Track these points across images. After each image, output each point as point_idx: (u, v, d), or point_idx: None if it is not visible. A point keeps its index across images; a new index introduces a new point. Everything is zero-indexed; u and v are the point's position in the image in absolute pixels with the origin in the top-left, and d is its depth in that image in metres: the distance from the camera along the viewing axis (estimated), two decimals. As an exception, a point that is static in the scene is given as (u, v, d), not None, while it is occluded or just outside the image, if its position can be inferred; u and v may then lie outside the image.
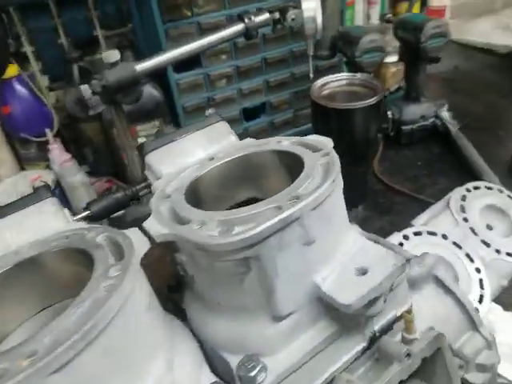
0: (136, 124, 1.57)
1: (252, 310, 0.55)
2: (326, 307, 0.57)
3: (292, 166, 0.61)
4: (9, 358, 0.40)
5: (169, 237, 0.53)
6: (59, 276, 0.57)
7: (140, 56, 1.63)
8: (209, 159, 0.71)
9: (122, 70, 1.12)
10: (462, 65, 2.27)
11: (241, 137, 1.25)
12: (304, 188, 0.54)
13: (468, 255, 0.82)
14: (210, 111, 0.79)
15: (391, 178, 1.58)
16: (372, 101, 1.18)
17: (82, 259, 0.53)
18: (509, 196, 1.19)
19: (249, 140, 0.75)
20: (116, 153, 1.65)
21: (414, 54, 1.54)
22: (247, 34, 1.20)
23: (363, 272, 0.55)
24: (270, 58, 1.67)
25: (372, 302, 0.54)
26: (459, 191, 1.24)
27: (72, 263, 0.55)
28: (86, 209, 0.72)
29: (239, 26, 1.19)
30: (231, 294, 0.55)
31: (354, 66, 1.44)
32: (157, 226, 0.55)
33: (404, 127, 1.65)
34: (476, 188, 1.24)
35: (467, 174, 1.47)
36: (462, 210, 1.18)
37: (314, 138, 0.67)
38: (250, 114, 1.78)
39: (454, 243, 0.85)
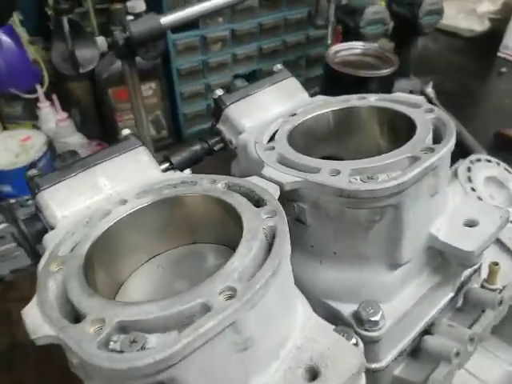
0: (131, 84, 1.49)
1: (370, 258, 0.57)
2: (431, 258, 0.60)
3: (397, 125, 0.62)
4: (203, 293, 0.38)
5: (300, 184, 0.53)
6: (183, 222, 0.55)
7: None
8: (290, 115, 0.70)
9: (147, 22, 1.05)
10: (431, 45, 2.38)
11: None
12: (428, 140, 0.55)
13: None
14: (279, 66, 0.77)
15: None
16: (388, 71, 1.21)
17: (214, 207, 0.52)
18: (505, 169, 1.29)
19: (320, 97, 0.75)
20: (107, 114, 1.56)
21: (408, 30, 1.59)
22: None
23: (472, 224, 0.58)
24: (265, 23, 1.65)
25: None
26: (464, 163, 1.30)
27: (201, 211, 0.53)
28: (165, 161, 0.68)
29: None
30: (353, 242, 0.56)
31: (356, 37, 1.45)
32: (283, 174, 0.54)
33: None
34: (478, 160, 1.32)
35: (456, 148, 1.57)
36: (469, 180, 1.25)
37: (401, 96, 0.68)
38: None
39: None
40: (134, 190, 0.57)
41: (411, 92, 1.74)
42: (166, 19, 1.07)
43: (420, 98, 0.66)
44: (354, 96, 0.71)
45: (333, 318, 0.58)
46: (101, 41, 1.07)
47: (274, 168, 0.56)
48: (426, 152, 0.53)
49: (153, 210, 0.54)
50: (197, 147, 0.70)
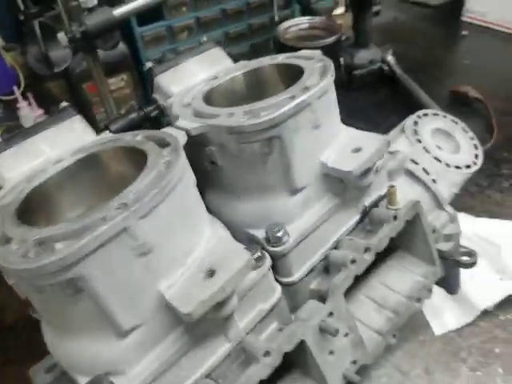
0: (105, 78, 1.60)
1: (273, 187, 0.67)
2: (330, 184, 0.70)
3: (291, 75, 0.72)
4: (103, 210, 0.49)
5: (203, 129, 0.63)
6: (110, 173, 0.65)
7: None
8: (212, 78, 0.80)
9: (100, 15, 1.16)
10: (400, 17, 2.45)
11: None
12: (310, 81, 0.65)
13: (424, 169, 0.95)
14: (204, 38, 0.87)
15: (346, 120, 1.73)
16: (331, 40, 1.31)
17: (131, 155, 0.62)
18: (452, 120, 1.38)
19: (242, 62, 0.85)
20: (85, 109, 1.67)
21: (362, 2, 1.67)
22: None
23: (357, 150, 0.68)
24: (228, 9, 1.74)
25: (364, 174, 0.67)
26: (412, 118, 1.39)
27: (121, 161, 0.64)
28: (105, 128, 0.79)
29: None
30: (256, 175, 0.66)
31: (310, 13, 1.55)
32: (190, 123, 0.65)
33: (355, 72, 1.79)
34: (425, 115, 1.41)
35: (414, 108, 1.65)
36: (415, 133, 1.34)
37: (303, 52, 0.78)
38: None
39: (412, 160, 0.98)
40: (70, 152, 0.68)
41: (371, 61, 1.82)
42: (118, 10, 1.17)
43: (317, 52, 0.76)
44: (267, 57, 0.81)
45: (252, 242, 0.68)
46: (61, 36, 1.18)
47: (186, 120, 0.67)
48: (302, 91, 0.63)
49: (78, 165, 0.65)
50: (134, 115, 0.81)
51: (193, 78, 0.81)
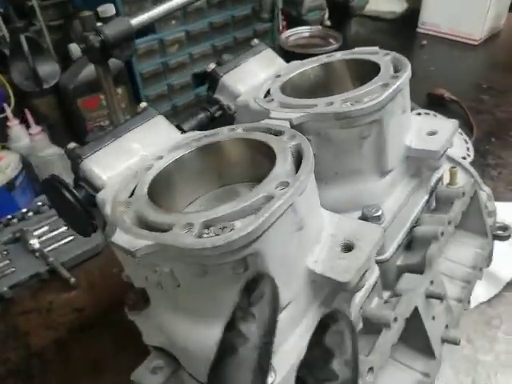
0: (100, 93, 1.57)
1: (365, 171, 0.71)
2: (408, 166, 0.76)
3: (363, 69, 0.78)
4: (264, 189, 0.51)
5: (304, 118, 0.67)
6: (232, 161, 0.67)
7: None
8: (276, 76, 0.83)
9: (118, 25, 1.15)
10: (360, 30, 2.62)
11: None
12: (391, 71, 0.71)
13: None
14: (256, 41, 0.91)
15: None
16: (334, 47, 1.39)
17: (248, 145, 0.64)
18: (434, 115, 1.50)
19: (295, 62, 0.89)
20: (77, 125, 1.63)
21: (341, 13, 1.78)
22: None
23: (433, 133, 0.74)
24: (215, 22, 1.78)
25: (442, 155, 0.74)
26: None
27: (239, 151, 0.65)
28: (178, 129, 0.80)
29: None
30: (350, 160, 0.70)
31: (301, 24, 1.63)
32: (289, 113, 0.67)
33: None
34: (418, 114, 1.53)
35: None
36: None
37: (359, 49, 0.84)
38: (198, 79, 1.87)
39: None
40: (164, 149, 0.68)
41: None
42: (136, 20, 1.17)
43: (375, 48, 0.82)
44: (323, 55, 0.86)
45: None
46: (74, 47, 1.16)
47: (279, 111, 0.69)
48: (393, 78, 0.68)
49: (190, 158, 0.65)
50: (202, 115, 0.82)
51: (255, 77, 0.85)
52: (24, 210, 1.38)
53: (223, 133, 0.67)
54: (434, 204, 0.83)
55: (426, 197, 0.80)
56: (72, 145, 0.65)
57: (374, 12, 2.61)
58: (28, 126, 1.49)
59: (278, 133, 0.63)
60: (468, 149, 1.51)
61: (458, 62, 2.20)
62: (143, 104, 0.74)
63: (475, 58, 2.25)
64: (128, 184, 0.61)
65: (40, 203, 1.41)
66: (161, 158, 0.65)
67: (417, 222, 0.77)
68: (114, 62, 1.47)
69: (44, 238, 1.30)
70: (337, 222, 0.60)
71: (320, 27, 1.50)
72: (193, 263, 0.49)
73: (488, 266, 1.08)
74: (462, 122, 1.75)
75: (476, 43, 2.26)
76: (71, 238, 1.31)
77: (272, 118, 0.68)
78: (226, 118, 0.87)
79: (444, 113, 1.70)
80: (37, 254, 1.26)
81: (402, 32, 2.53)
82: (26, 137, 1.47)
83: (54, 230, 1.33)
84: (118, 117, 1.35)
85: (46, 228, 1.33)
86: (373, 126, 0.66)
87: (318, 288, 0.58)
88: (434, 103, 1.86)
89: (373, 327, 0.63)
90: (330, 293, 0.60)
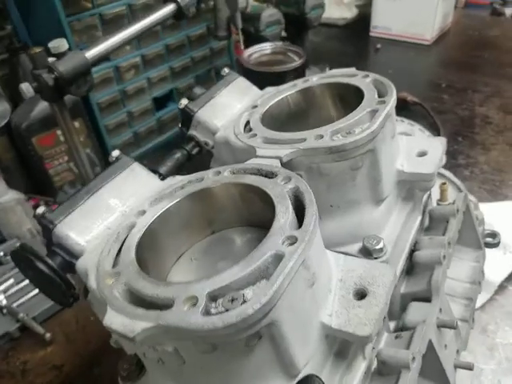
0: (55, 129, 1.47)
1: (359, 201, 0.68)
2: (400, 190, 0.73)
3: (344, 92, 0.75)
4: (269, 246, 0.46)
5: (294, 154, 0.62)
6: (223, 207, 0.61)
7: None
8: (252, 107, 0.79)
9: (72, 60, 1.07)
10: (314, 39, 2.62)
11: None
12: (376, 96, 0.68)
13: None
14: (226, 70, 0.86)
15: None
16: (299, 63, 1.36)
17: (239, 191, 0.59)
18: (409, 123, 1.50)
19: (269, 88, 0.85)
20: (34, 165, 1.52)
21: (298, 25, 1.77)
22: (179, 13, 1.25)
23: (423, 154, 0.72)
24: (170, 44, 1.73)
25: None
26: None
27: (229, 198, 0.60)
28: (154, 172, 0.73)
29: (170, 7, 1.23)
30: (344, 191, 0.66)
31: (259, 41, 1.59)
32: (277, 150, 0.63)
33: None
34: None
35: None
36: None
37: (336, 71, 0.81)
38: (159, 103, 1.80)
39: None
40: (145, 201, 0.62)
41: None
42: (91, 53, 1.10)
43: (352, 70, 0.79)
44: (299, 80, 0.82)
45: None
46: (26, 87, 1.07)
47: (266, 148, 0.65)
48: (380, 104, 0.65)
49: (177, 209, 0.60)
50: (178, 155, 0.77)
51: (231, 109, 0.80)
52: (-16, 264, 1.27)
53: (209, 177, 0.62)
54: (427, 222, 0.81)
55: (420, 217, 0.78)
56: (41, 209, 0.58)
57: (326, 19, 2.61)
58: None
59: (270, 174, 0.58)
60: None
61: (414, 63, 2.24)
62: (116, 152, 0.67)
63: (430, 57, 2.30)
64: (111, 248, 0.55)
65: (1, 253, 1.30)
66: (143, 212, 0.59)
67: (415, 246, 0.74)
68: (68, 96, 1.38)
69: (10, 293, 1.20)
70: (343, 264, 0.56)
71: (281, 43, 1.48)
72: (201, 342, 0.43)
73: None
74: (426, 123, 1.77)
75: (428, 43, 2.31)
76: (41, 289, 1.21)
77: (259, 156, 0.64)
78: (203, 154, 0.82)
79: (409, 116, 1.72)
80: (4, 310, 1.16)
81: (356, 37, 2.56)
82: (-21, 184, 1.35)
83: (20, 282, 1.23)
84: (79, 153, 1.27)
85: (11, 281, 1.23)
86: (366, 156, 0.63)
87: (331, 340, 0.54)
88: (397, 107, 1.87)
89: (389, 369, 0.60)
90: (345, 341, 0.56)
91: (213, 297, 0.43)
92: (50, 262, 0.56)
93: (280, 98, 0.78)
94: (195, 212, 0.62)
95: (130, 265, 0.50)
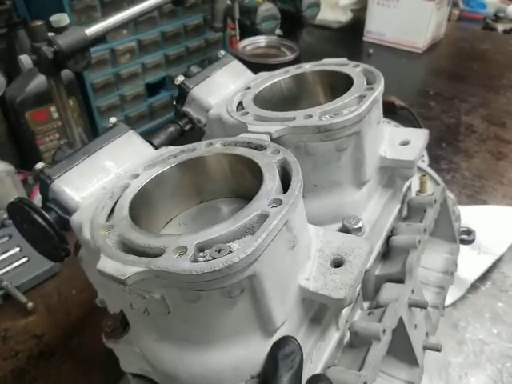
0: (49, 105, 1.48)
1: (342, 183, 0.71)
2: (382, 176, 0.77)
3: (334, 80, 0.78)
4: (256, 207, 0.49)
5: (284, 131, 0.66)
6: (213, 176, 0.64)
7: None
8: (246, 88, 0.82)
9: (72, 35, 1.09)
10: (307, 40, 2.67)
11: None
12: (364, 83, 0.72)
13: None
14: (222, 52, 0.89)
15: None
16: (293, 57, 1.40)
17: (230, 160, 0.62)
18: (395, 125, 1.55)
19: (262, 73, 0.89)
20: (25, 140, 1.53)
21: (293, 22, 1.80)
22: (177, -1, 1.27)
23: (406, 143, 0.76)
24: (167, 31, 1.75)
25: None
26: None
27: (219, 166, 0.63)
28: (148, 142, 0.76)
29: (170, -9, 1.26)
30: (328, 172, 0.70)
31: (254, 34, 1.63)
32: (268, 127, 0.66)
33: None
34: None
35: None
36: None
37: (328, 60, 0.85)
38: (151, 90, 1.82)
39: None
40: (139, 166, 0.65)
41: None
42: (91, 30, 1.12)
43: (344, 60, 0.83)
44: (292, 67, 0.86)
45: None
46: (25, 59, 1.08)
47: (256, 125, 0.68)
48: (368, 90, 0.69)
49: (169, 175, 0.63)
50: (171, 129, 0.79)
51: (225, 89, 0.83)
52: (-30, 232, 1.28)
53: (201, 148, 0.65)
54: (406, 212, 0.85)
55: (399, 205, 0.82)
56: (40, 164, 0.61)
57: (320, 21, 2.66)
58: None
59: (259, 147, 0.61)
60: (423, 154, 1.57)
61: (405, 70, 2.30)
62: (113, 119, 0.70)
63: (420, 65, 2.36)
64: (105, 205, 0.57)
65: (-13, 224, 1.31)
66: (137, 176, 0.62)
67: (392, 232, 0.78)
68: (64, 73, 1.40)
69: (-6, 261, 1.21)
70: (322, 236, 0.60)
71: (276, 37, 1.51)
72: (187, 289, 0.46)
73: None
74: (412, 128, 1.83)
75: (420, 51, 2.37)
76: (25, 259, 1.23)
77: (250, 131, 0.67)
78: (195, 131, 0.85)
79: (395, 120, 1.77)
80: (-13, 279, 1.16)
81: (349, 41, 2.61)
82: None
83: (5, 252, 1.24)
84: (72, 130, 1.28)
85: (-4, 250, 1.23)
86: (351, 138, 0.67)
87: (308, 305, 0.57)
88: (385, 110, 1.92)
89: (360, 340, 0.63)
90: (320, 308, 0.59)
91: (200, 247, 0.46)
92: (45, 214, 0.58)
93: (273, 81, 0.81)
94: (186, 180, 0.64)
95: (123, 219, 0.53)
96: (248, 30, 1.68)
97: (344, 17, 2.68)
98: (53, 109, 1.50)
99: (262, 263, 0.46)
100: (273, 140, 0.65)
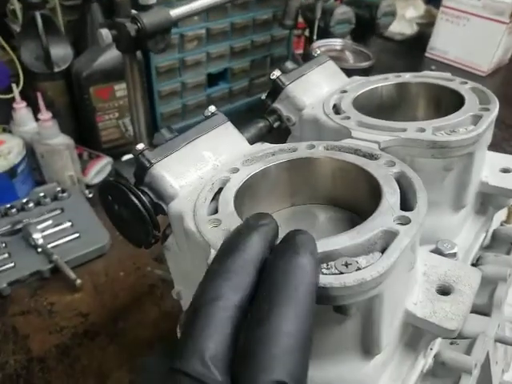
0: (113, 83, 1.48)
1: (441, 204, 0.68)
2: (475, 202, 0.73)
3: (440, 95, 0.74)
4: (380, 223, 0.46)
5: (394, 142, 0.62)
6: (313, 180, 0.61)
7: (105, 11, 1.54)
8: (341, 91, 0.79)
9: (157, 14, 1.08)
10: (370, 47, 2.62)
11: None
12: (478, 103, 0.68)
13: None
14: (318, 51, 0.86)
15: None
16: (367, 64, 1.36)
17: (339, 166, 0.59)
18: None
19: (356, 77, 0.85)
20: (85, 115, 1.53)
21: (366, 30, 1.76)
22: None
23: (506, 171, 0.72)
24: (236, 23, 1.73)
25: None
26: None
27: (327, 171, 0.60)
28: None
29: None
30: (431, 190, 0.65)
31: (326, 36, 1.59)
32: (376, 135, 0.63)
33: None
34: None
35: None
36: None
37: (428, 73, 0.81)
38: (211, 80, 1.81)
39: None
40: (236, 160, 0.62)
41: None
42: (175, 11, 1.11)
43: (448, 75, 0.79)
44: (391, 74, 0.82)
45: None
46: (105, 33, 1.07)
47: (361, 131, 0.65)
48: (484, 110, 0.65)
49: (269, 173, 0.60)
50: (261, 124, 0.76)
51: (320, 89, 0.80)
52: (24, 200, 1.28)
53: (302, 149, 0.62)
54: (488, 241, 0.80)
55: (484, 234, 0.77)
56: (141, 146, 0.59)
57: (384, 32, 2.61)
58: (34, 111, 1.39)
59: (369, 156, 0.58)
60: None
61: (467, 91, 2.23)
62: (212, 108, 0.67)
63: (482, 88, 2.29)
64: (206, 197, 0.55)
65: (42, 194, 1.31)
66: (237, 170, 0.59)
67: (477, 261, 0.74)
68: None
69: (47, 233, 1.21)
70: (426, 259, 0.56)
71: (351, 42, 1.47)
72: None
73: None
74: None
75: (484, 74, 2.30)
76: (76, 235, 1.23)
77: (355, 137, 0.64)
78: (281, 130, 0.82)
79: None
80: (39, 249, 1.16)
81: (411, 55, 2.55)
82: (32, 122, 1.36)
83: (57, 225, 1.24)
84: (137, 110, 1.28)
85: (49, 222, 1.23)
86: (463, 159, 0.63)
87: (404, 329, 0.54)
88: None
89: (447, 371, 0.60)
90: (415, 334, 0.56)
91: (322, 258, 0.43)
92: (143, 198, 0.56)
93: (373, 87, 0.78)
94: (284, 180, 0.62)
95: (231, 215, 0.50)
96: (320, 32, 1.64)
97: (409, 30, 2.62)
98: (117, 87, 1.50)
99: (385, 284, 0.43)
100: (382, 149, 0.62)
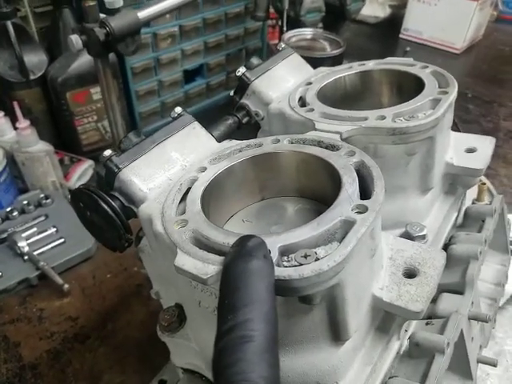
0: (89, 87, 1.48)
1: (406, 188, 0.69)
2: (444, 183, 0.75)
3: (402, 80, 0.76)
4: (339, 212, 0.47)
5: (355, 131, 0.64)
6: (279, 174, 0.63)
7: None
8: (307, 83, 0.80)
9: (125, 17, 1.08)
10: (343, 34, 2.62)
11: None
12: (437, 86, 0.69)
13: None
14: (282, 45, 0.87)
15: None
16: (338, 52, 1.37)
17: (301, 159, 0.60)
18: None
19: (322, 68, 0.86)
20: (63, 120, 1.53)
21: (336, 16, 1.77)
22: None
23: (471, 150, 0.73)
24: (208, 18, 1.73)
25: (479, 172, 0.73)
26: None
27: (289, 165, 0.61)
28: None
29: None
30: (395, 176, 0.68)
31: (298, 26, 1.60)
32: (338, 126, 0.64)
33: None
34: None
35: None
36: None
37: (392, 59, 0.82)
38: (188, 77, 1.81)
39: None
40: (204, 159, 0.63)
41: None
42: (143, 13, 1.11)
43: (410, 60, 0.80)
44: (355, 63, 0.83)
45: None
46: (75, 39, 1.07)
47: (324, 123, 0.66)
48: (443, 94, 0.67)
49: (236, 170, 0.61)
50: (230, 121, 0.78)
51: (286, 83, 0.81)
52: (8, 209, 1.29)
53: (267, 144, 0.64)
54: (460, 220, 0.82)
55: (456, 214, 0.80)
56: (108, 152, 0.60)
57: (358, 15, 2.62)
58: (12, 120, 1.38)
59: (331, 147, 0.60)
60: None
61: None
62: (178, 109, 0.68)
63: (457, 66, 2.31)
64: (174, 198, 0.56)
65: (26, 202, 1.32)
66: (204, 169, 0.61)
67: (450, 240, 0.76)
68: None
69: (32, 240, 1.22)
70: (392, 243, 0.58)
71: (321, 30, 1.48)
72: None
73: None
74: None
75: (458, 52, 2.32)
76: (61, 240, 1.23)
77: (318, 129, 0.65)
78: (251, 124, 0.83)
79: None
80: (25, 257, 1.17)
81: (385, 37, 2.56)
82: (11, 131, 1.36)
83: (42, 232, 1.25)
84: (114, 112, 1.28)
85: (34, 229, 1.24)
86: (424, 143, 0.65)
87: (375, 314, 0.56)
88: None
89: (421, 352, 0.62)
90: (386, 318, 0.58)
91: (283, 251, 0.45)
92: (113, 203, 0.57)
93: (337, 77, 0.79)
94: (252, 176, 0.63)
95: (197, 214, 0.52)
96: (291, 21, 1.65)
97: (382, 12, 2.63)
98: (93, 90, 1.50)
99: (346, 272, 0.45)
100: (341, 140, 0.63)
